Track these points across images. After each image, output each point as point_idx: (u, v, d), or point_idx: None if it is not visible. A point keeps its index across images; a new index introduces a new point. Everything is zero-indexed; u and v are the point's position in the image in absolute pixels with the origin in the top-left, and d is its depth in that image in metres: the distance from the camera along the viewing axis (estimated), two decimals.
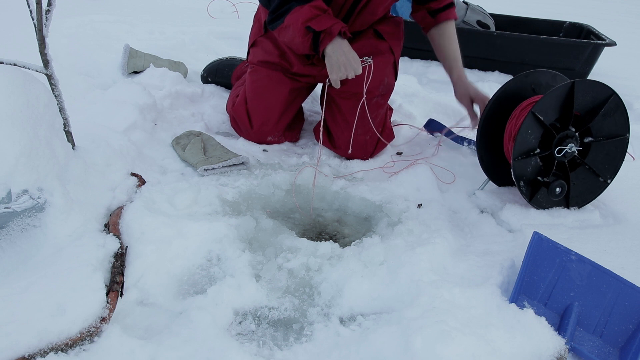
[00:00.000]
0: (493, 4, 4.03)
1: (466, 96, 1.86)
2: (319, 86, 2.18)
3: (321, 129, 1.72)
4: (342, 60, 1.59)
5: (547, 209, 1.57)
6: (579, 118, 1.54)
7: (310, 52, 1.66)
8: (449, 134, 2.11)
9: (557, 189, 1.53)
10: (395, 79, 1.98)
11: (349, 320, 1.20)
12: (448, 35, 1.95)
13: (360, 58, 1.64)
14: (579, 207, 1.59)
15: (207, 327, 1.08)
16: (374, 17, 1.88)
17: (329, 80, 1.63)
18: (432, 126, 2.18)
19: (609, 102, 1.50)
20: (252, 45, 2.03)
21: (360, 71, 1.62)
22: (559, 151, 1.52)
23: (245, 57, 2.50)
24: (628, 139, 1.56)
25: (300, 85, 1.99)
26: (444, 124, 2.16)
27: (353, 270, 1.28)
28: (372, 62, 1.68)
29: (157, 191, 1.51)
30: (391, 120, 2.17)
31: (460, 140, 2.07)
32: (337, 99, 1.90)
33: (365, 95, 1.75)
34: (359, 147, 1.91)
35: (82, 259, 1.16)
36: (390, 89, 1.96)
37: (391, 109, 2.18)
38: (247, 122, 1.97)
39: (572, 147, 1.51)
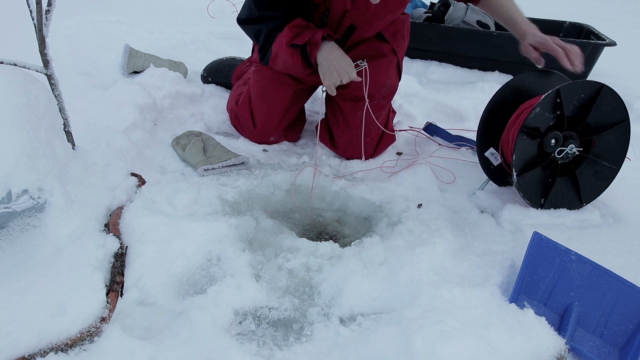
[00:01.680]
0: None
1: (530, 51, 1.68)
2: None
3: (318, 130, 1.71)
4: (335, 65, 1.58)
5: (560, 208, 1.57)
6: (576, 117, 1.54)
7: (308, 69, 1.66)
8: (449, 138, 2.09)
9: (552, 140, 1.52)
10: (399, 79, 1.97)
11: (349, 320, 1.20)
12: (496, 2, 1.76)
13: (354, 62, 1.63)
14: (593, 199, 1.58)
15: (207, 327, 1.08)
16: (369, 35, 1.86)
17: (324, 87, 1.62)
18: (431, 130, 2.17)
19: (600, 95, 1.50)
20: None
21: (354, 75, 1.61)
22: (560, 152, 1.52)
23: (245, 57, 2.51)
24: (629, 123, 1.54)
25: (303, 87, 1.99)
26: (442, 128, 2.15)
27: (353, 270, 1.28)
28: (366, 66, 1.67)
29: (157, 191, 1.51)
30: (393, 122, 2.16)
31: (460, 143, 2.06)
32: (337, 99, 1.90)
33: (367, 100, 1.74)
34: (358, 149, 1.91)
35: (82, 259, 1.16)
36: (393, 91, 1.95)
37: (394, 112, 2.16)
38: (250, 122, 1.97)
39: (572, 148, 1.51)
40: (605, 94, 1.50)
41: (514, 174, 1.50)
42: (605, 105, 1.51)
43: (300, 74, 1.82)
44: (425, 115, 2.41)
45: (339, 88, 1.65)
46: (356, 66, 1.64)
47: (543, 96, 1.46)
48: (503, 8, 1.78)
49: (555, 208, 1.57)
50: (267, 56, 1.71)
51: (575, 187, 1.57)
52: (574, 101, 1.50)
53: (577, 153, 1.53)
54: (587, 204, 1.58)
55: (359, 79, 1.66)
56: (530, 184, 1.54)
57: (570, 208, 1.57)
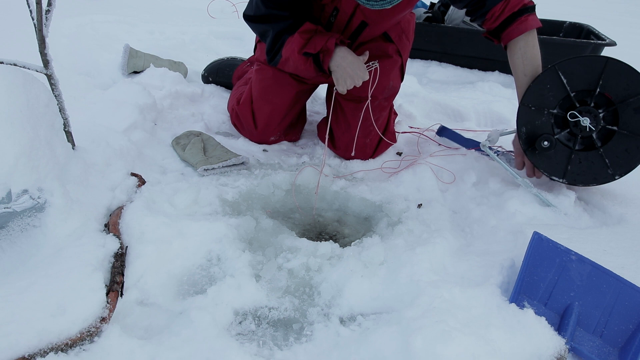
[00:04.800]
0: None
1: (516, 142, 1.68)
2: (322, 85, 2.17)
3: (327, 135, 1.70)
4: (349, 72, 1.59)
5: (542, 169, 1.59)
6: (610, 101, 1.53)
7: (320, 73, 1.67)
8: (464, 142, 2.02)
9: (545, 142, 1.55)
10: (402, 80, 1.96)
11: (349, 320, 1.20)
12: (516, 56, 1.66)
13: (365, 62, 1.63)
14: (576, 185, 1.59)
15: (207, 327, 1.08)
16: (378, 33, 1.86)
17: (336, 88, 1.63)
18: (445, 134, 2.12)
19: (606, 68, 1.49)
20: (260, 40, 2.01)
21: (367, 77, 1.62)
22: (572, 116, 1.53)
23: (245, 57, 2.51)
24: None
25: (305, 87, 1.99)
26: (457, 132, 2.08)
27: (353, 270, 1.28)
28: (378, 66, 1.68)
29: (157, 191, 1.51)
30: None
31: (477, 147, 1.95)
32: (340, 100, 1.90)
33: (369, 99, 1.74)
34: (358, 150, 1.91)
35: (82, 259, 1.16)
36: (395, 92, 1.94)
37: (396, 114, 2.15)
38: (251, 122, 1.97)
39: (585, 122, 1.51)
40: (611, 68, 1.49)
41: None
42: (615, 77, 1.50)
43: (311, 76, 1.83)
44: (425, 115, 2.41)
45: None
46: (368, 67, 1.65)
47: (590, 55, 1.47)
48: (516, 67, 1.69)
49: (537, 163, 1.59)
50: (276, 59, 1.71)
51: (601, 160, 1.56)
52: (616, 82, 1.49)
53: (588, 129, 1.53)
54: (562, 180, 1.59)
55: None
56: (534, 121, 1.56)
57: (553, 172, 1.59)
